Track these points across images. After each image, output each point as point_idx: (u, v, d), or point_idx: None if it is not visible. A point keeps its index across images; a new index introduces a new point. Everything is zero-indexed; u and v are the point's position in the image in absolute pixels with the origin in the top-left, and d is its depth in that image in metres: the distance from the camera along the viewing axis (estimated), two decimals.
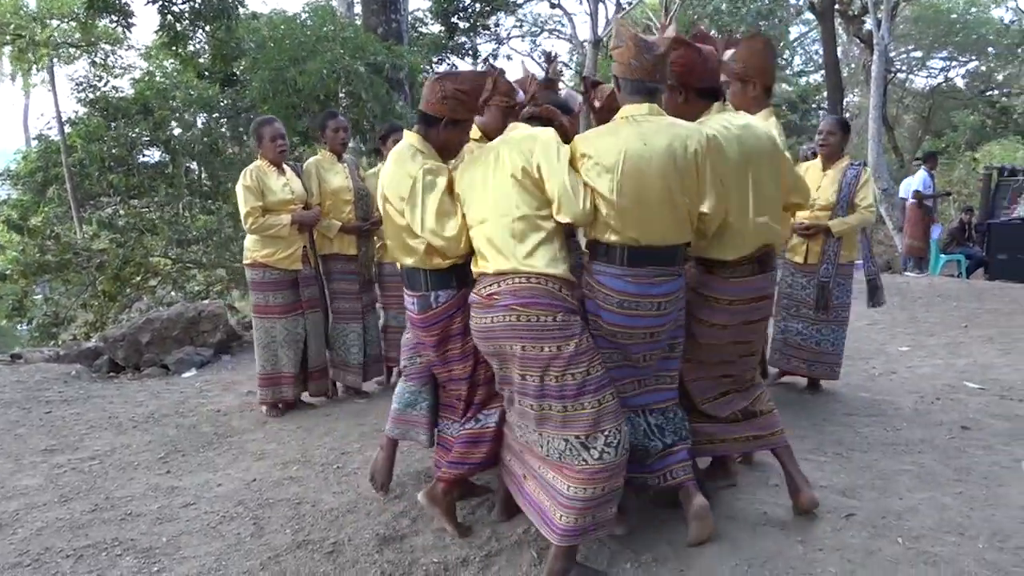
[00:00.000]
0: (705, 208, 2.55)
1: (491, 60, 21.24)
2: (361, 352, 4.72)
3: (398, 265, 3.02)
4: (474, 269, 2.58)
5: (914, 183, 11.26)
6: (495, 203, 2.49)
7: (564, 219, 2.46)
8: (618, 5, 20.89)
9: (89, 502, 3.29)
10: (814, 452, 3.61)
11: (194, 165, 10.89)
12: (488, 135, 2.95)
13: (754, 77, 3.07)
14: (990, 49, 26.73)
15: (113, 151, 10.32)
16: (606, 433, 2.40)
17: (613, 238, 2.49)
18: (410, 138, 2.76)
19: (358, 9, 11.69)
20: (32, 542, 2.91)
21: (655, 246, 2.51)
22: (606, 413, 2.42)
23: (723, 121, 2.69)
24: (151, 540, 2.90)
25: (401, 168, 2.66)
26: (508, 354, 2.48)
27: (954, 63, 29.51)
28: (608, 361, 2.56)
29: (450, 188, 2.63)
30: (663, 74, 2.58)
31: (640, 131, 2.48)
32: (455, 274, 2.69)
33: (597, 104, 2.92)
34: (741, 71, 3.06)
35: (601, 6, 19.61)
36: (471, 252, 2.63)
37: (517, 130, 2.64)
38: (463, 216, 2.58)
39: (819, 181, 4.42)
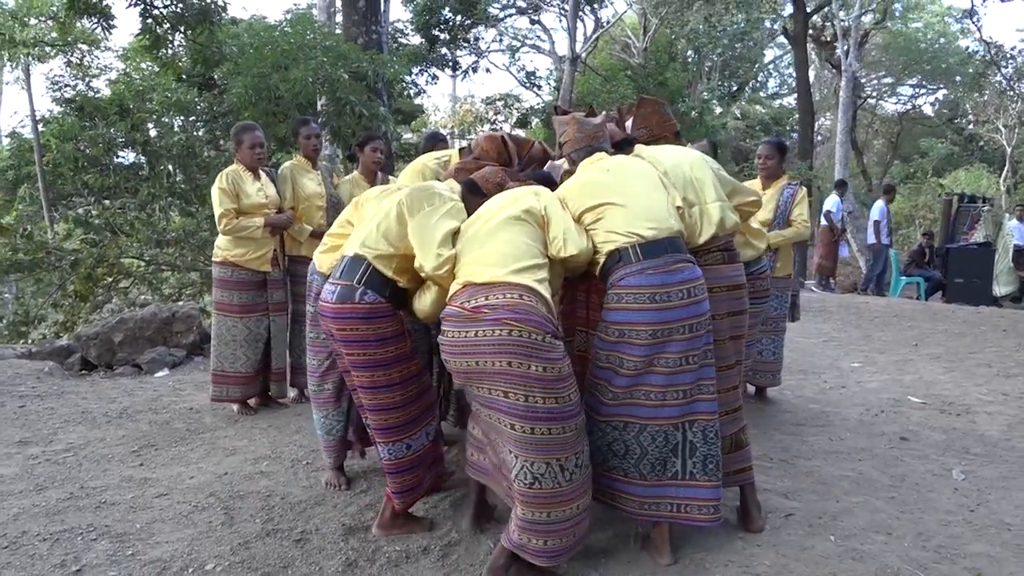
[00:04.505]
0: (678, 202, 2.85)
1: (471, 73, 21.47)
2: None
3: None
4: (453, 287, 2.63)
5: (827, 205, 11.93)
6: (495, 235, 2.66)
7: (569, 252, 2.66)
8: (596, 22, 21.24)
9: (64, 491, 3.40)
10: (761, 458, 3.80)
11: (171, 167, 10.93)
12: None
13: (660, 132, 3.36)
14: (958, 78, 27.43)
15: (88, 151, 10.35)
16: (577, 453, 2.52)
17: (623, 241, 2.67)
18: (455, 185, 3.04)
19: (339, 18, 11.84)
20: (9, 526, 3.03)
21: (659, 238, 2.68)
22: (580, 436, 2.55)
23: (648, 150, 3.15)
24: (125, 526, 3.03)
25: (434, 191, 2.90)
26: (488, 371, 2.47)
27: (923, 91, 30.31)
28: (649, 367, 2.63)
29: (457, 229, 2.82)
30: (603, 136, 3.07)
31: (600, 166, 2.91)
32: (391, 289, 2.79)
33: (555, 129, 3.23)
34: (647, 134, 3.35)
35: (580, 23, 19.91)
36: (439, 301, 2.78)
37: (516, 189, 2.89)
38: (455, 252, 2.72)
39: None
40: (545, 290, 2.56)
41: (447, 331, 2.56)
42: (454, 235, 2.78)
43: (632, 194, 2.77)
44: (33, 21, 15.15)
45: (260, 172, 4.64)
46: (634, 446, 2.70)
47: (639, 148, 3.18)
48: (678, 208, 2.85)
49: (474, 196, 2.95)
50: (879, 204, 12.24)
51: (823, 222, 12.03)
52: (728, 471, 2.96)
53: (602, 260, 2.73)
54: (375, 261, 2.78)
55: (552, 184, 3.08)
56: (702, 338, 2.67)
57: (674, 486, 2.70)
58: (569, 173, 3.10)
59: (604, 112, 3.33)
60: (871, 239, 12.17)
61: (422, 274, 2.76)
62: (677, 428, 2.68)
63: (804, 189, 4.78)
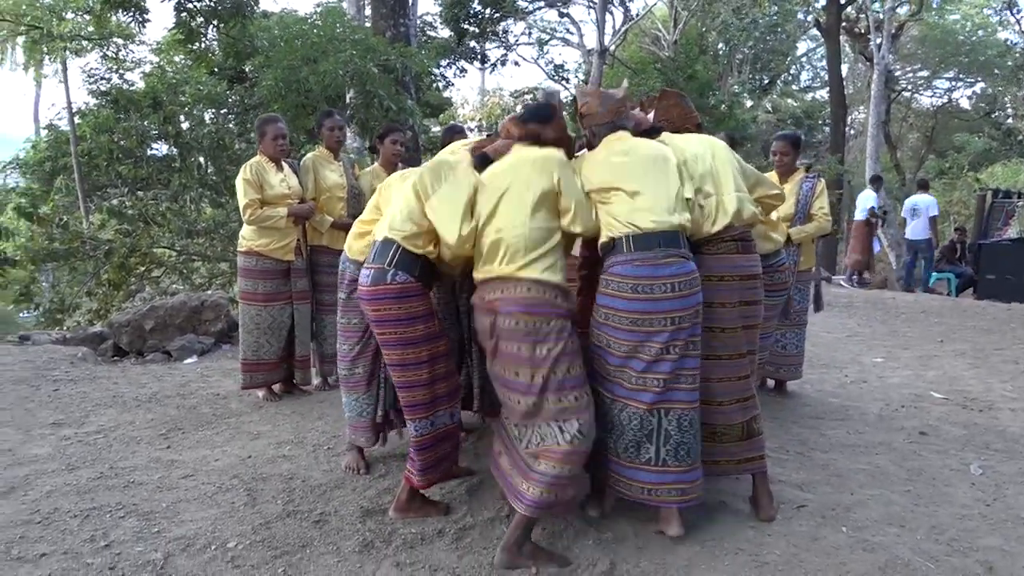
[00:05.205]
0: (688, 194, 2.90)
1: (499, 65, 21.50)
2: (336, 342, 4.91)
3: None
4: (477, 275, 2.84)
5: (868, 202, 11.84)
6: (513, 215, 2.75)
7: (576, 230, 2.79)
8: (626, 15, 21.14)
9: (94, 470, 3.52)
10: (777, 450, 3.83)
11: (202, 159, 11.11)
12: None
13: (682, 124, 3.37)
14: (996, 71, 26.87)
15: (122, 143, 10.56)
16: (580, 421, 2.66)
17: (621, 230, 2.76)
18: (462, 156, 3.08)
19: (368, 12, 11.94)
20: (42, 503, 3.15)
21: (656, 231, 2.75)
22: (582, 407, 2.68)
23: (675, 138, 3.16)
24: (152, 505, 3.14)
25: (445, 165, 2.99)
26: (505, 353, 2.72)
27: (960, 84, 29.71)
28: (632, 353, 2.74)
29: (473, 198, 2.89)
30: (626, 111, 3.06)
31: (622, 147, 2.92)
32: (420, 265, 2.89)
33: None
34: (669, 127, 3.36)
35: (609, 15, 19.83)
36: (465, 259, 2.90)
37: (529, 151, 2.91)
38: (475, 224, 2.83)
39: None
40: (552, 275, 2.71)
41: (476, 318, 2.87)
42: (472, 203, 2.86)
43: (642, 183, 2.81)
44: (70, 15, 15.42)
45: (283, 163, 4.73)
46: (616, 422, 2.83)
47: (666, 136, 3.18)
48: (688, 200, 2.88)
49: (486, 168, 3.01)
50: (931, 199, 12.08)
51: (857, 217, 11.94)
52: (739, 459, 3.03)
53: (601, 242, 2.84)
54: (404, 242, 2.88)
55: (549, 119, 3.02)
56: (686, 330, 2.74)
57: (646, 471, 2.81)
58: (588, 145, 3.10)
59: (625, 82, 3.34)
60: (925, 234, 11.85)
61: (447, 249, 2.88)
62: (652, 414, 2.77)
63: (823, 181, 4.75)
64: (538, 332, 2.65)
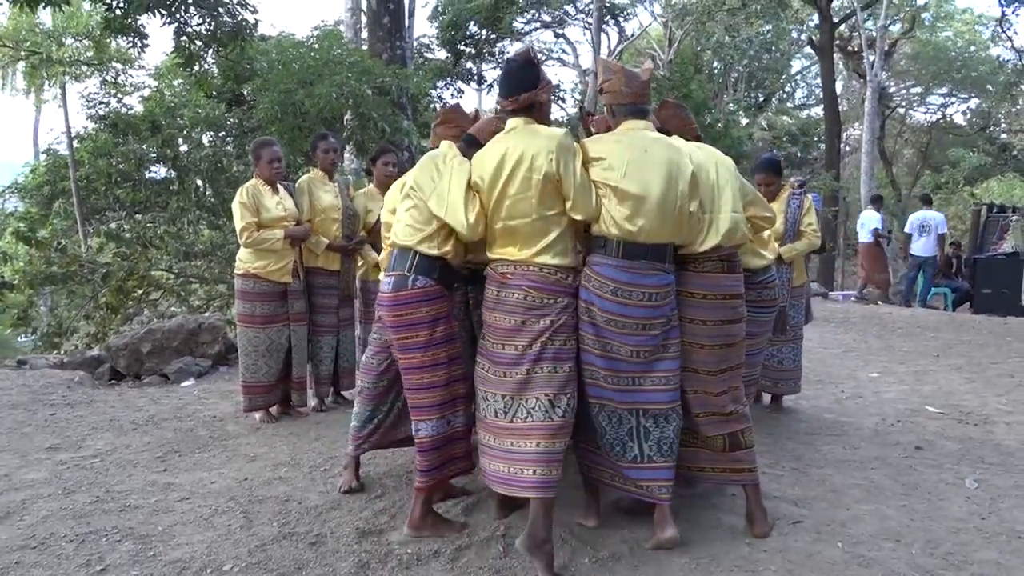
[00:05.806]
0: (691, 208, 2.90)
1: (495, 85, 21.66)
2: (332, 363, 4.96)
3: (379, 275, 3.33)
4: (491, 254, 2.90)
5: (872, 222, 11.84)
6: (518, 203, 2.77)
7: (577, 216, 2.81)
8: (621, 35, 21.34)
9: (91, 494, 3.52)
10: (772, 466, 3.84)
11: (200, 182, 11.17)
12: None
13: (682, 135, 3.35)
14: (989, 87, 27.05)
15: (120, 166, 10.63)
16: (568, 395, 2.80)
17: (613, 231, 2.80)
18: (447, 147, 3.07)
19: (364, 34, 12.06)
20: (38, 528, 3.15)
21: (648, 243, 2.81)
22: (571, 380, 2.81)
23: (687, 144, 3.13)
24: (148, 529, 3.14)
25: (434, 160, 3.00)
26: (504, 326, 2.81)
27: (954, 100, 29.92)
28: (603, 350, 2.82)
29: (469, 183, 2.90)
30: (648, 97, 3.02)
31: (642, 141, 2.87)
32: (439, 267, 2.91)
33: (593, 131, 3.26)
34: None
35: (604, 36, 20.01)
36: (479, 240, 2.92)
37: (527, 131, 2.84)
38: (481, 205, 2.85)
39: None
40: (563, 259, 2.80)
41: (486, 287, 2.93)
42: (471, 188, 2.87)
43: (649, 190, 2.77)
44: (70, 40, 15.55)
45: (278, 186, 4.77)
46: (595, 424, 2.91)
47: (678, 139, 3.14)
48: (690, 213, 2.88)
49: (473, 149, 3.00)
50: (941, 216, 12.04)
51: (862, 239, 11.97)
52: (724, 467, 3.08)
53: (593, 233, 2.88)
54: (418, 246, 2.91)
55: (534, 85, 2.90)
56: (656, 337, 2.85)
57: (635, 469, 2.90)
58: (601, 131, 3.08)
59: (648, 62, 3.32)
60: (933, 251, 11.69)
61: (462, 237, 2.91)
62: (631, 413, 2.88)
63: (809, 197, 4.79)
64: (543, 306, 2.77)
